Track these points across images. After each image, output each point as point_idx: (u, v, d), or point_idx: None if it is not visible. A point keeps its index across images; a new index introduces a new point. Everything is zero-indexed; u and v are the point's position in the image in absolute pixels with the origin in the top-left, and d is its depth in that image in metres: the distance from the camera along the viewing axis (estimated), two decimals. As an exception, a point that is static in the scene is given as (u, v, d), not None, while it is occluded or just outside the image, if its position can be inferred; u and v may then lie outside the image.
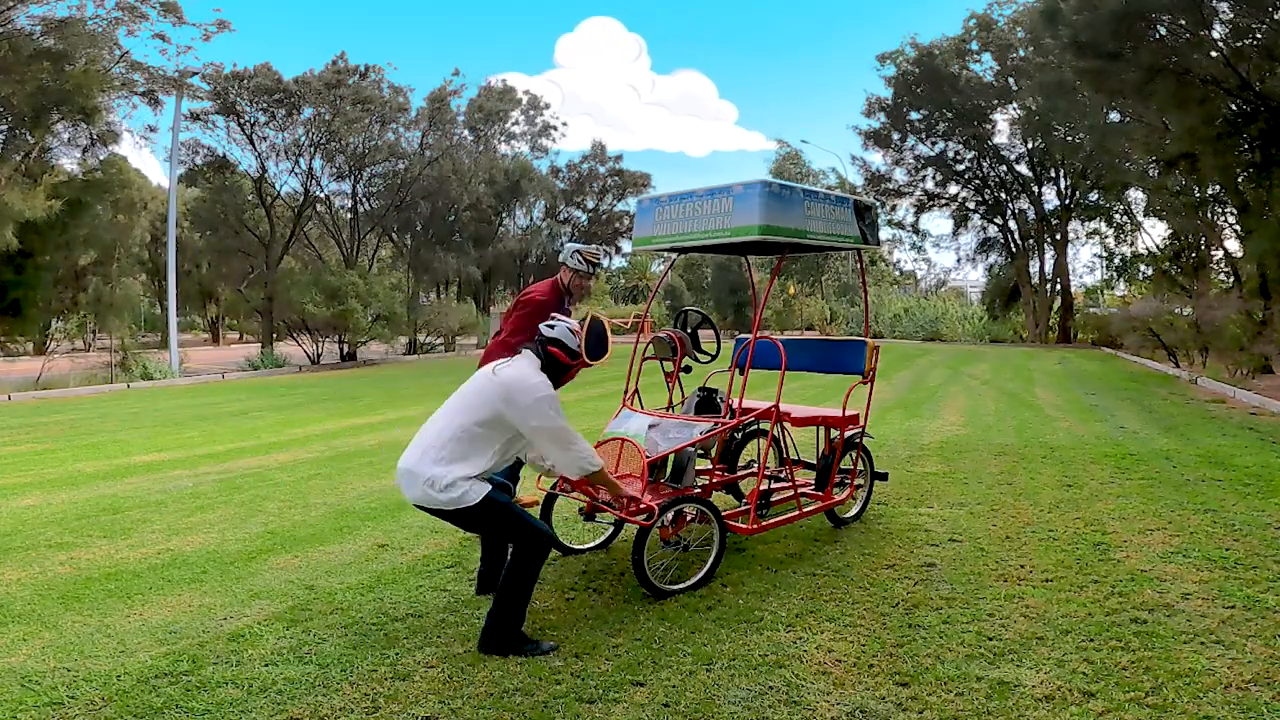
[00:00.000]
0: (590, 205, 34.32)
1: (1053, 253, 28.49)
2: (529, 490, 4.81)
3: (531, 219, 33.25)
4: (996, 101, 27.68)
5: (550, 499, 4.10)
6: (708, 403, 4.53)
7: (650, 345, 4.70)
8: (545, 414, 3.08)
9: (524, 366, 3.21)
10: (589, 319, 3.36)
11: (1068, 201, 27.91)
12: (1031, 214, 28.96)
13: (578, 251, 4.46)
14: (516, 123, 29.42)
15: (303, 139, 21.69)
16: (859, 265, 5.12)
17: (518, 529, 3.09)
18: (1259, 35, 12.29)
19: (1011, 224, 29.82)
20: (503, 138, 29.27)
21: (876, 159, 32.21)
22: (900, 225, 32.58)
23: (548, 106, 30.31)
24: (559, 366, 3.31)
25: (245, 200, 22.61)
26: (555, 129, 30.63)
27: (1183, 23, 12.65)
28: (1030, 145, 28.06)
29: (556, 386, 3.27)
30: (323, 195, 23.94)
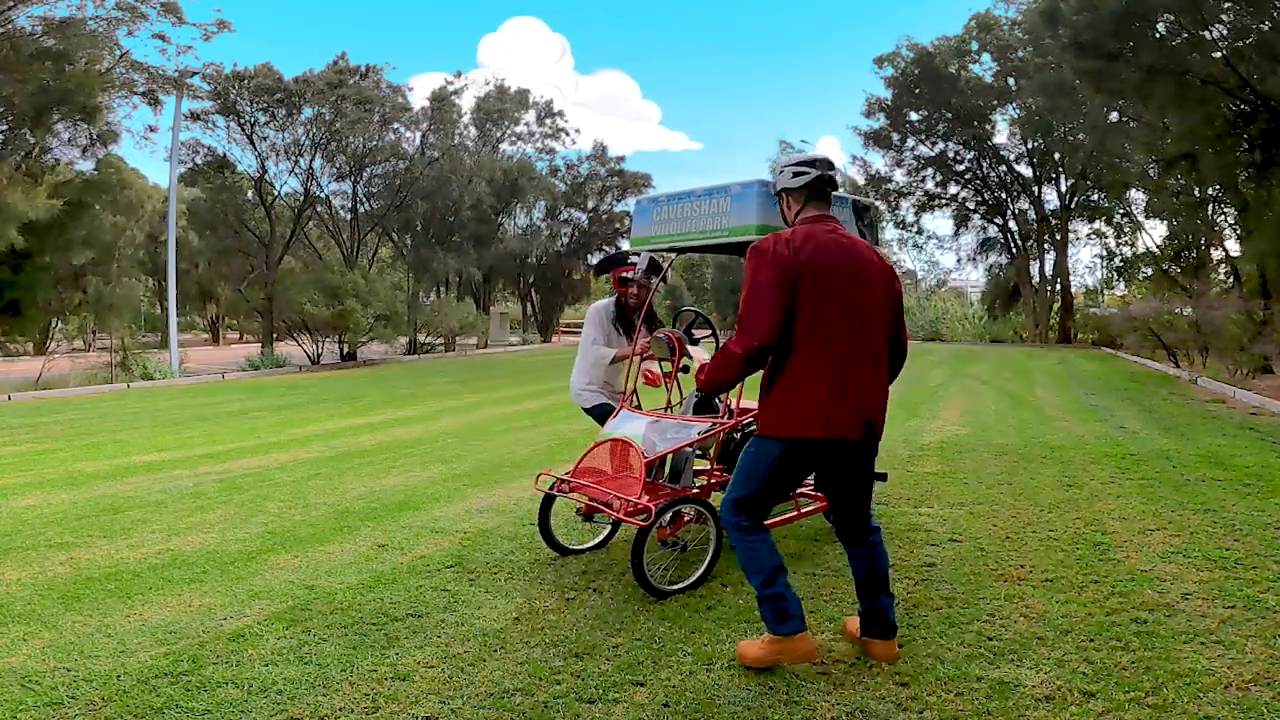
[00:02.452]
0: (590, 205, 34.32)
1: (1053, 253, 28.49)
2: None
3: (531, 219, 33.25)
4: (996, 102, 27.68)
5: (548, 500, 4.10)
6: (706, 403, 4.53)
7: (648, 345, 4.69)
8: (586, 324, 4.77)
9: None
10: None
11: (1068, 201, 27.90)
12: (1032, 214, 28.96)
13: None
14: (526, 124, 29.45)
15: (303, 139, 21.70)
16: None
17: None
18: (1259, 35, 12.29)
19: (1012, 224, 29.82)
20: (510, 139, 29.29)
21: (877, 160, 32.14)
22: (903, 225, 32.61)
23: (561, 113, 30.42)
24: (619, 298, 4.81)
25: (245, 200, 22.62)
26: (567, 133, 30.68)
27: (1182, 23, 12.64)
28: (1030, 145, 28.06)
29: (621, 306, 4.80)
30: (323, 195, 23.96)
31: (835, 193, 2.97)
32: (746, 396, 4.35)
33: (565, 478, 3.98)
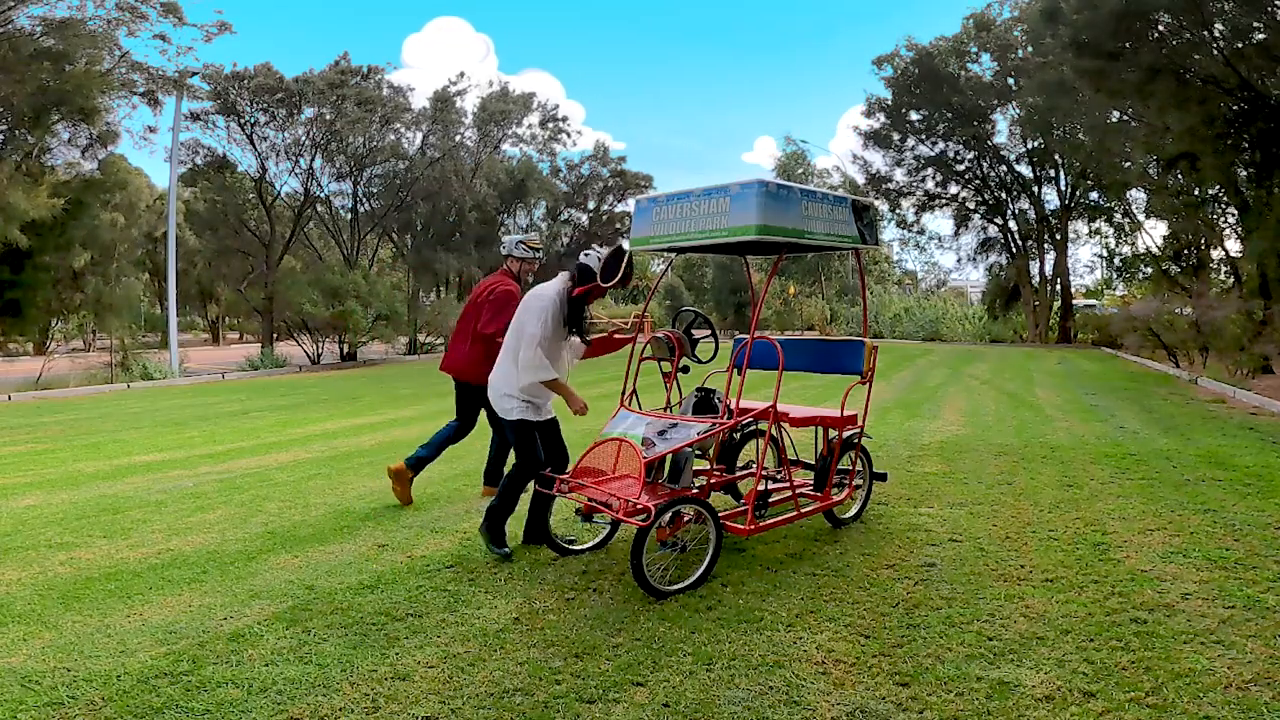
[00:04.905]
0: (591, 206, 34.31)
1: (1053, 253, 28.48)
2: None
3: (533, 219, 33.26)
4: (996, 101, 27.64)
5: (548, 500, 4.10)
6: (705, 403, 4.53)
7: (648, 345, 4.70)
8: (535, 316, 3.95)
9: (553, 282, 4.10)
10: (615, 247, 4.09)
11: (1068, 201, 27.90)
12: (1032, 214, 28.94)
13: (521, 242, 5.17)
14: (529, 126, 29.45)
15: (303, 139, 21.71)
16: (858, 265, 5.12)
17: (527, 452, 4.09)
18: (1259, 35, 12.28)
19: (1012, 224, 29.80)
20: (512, 139, 29.28)
21: (877, 159, 32.02)
22: (903, 225, 32.57)
23: (565, 118, 30.45)
24: (582, 284, 4.11)
25: (245, 200, 22.62)
26: (568, 135, 30.70)
27: (1182, 23, 12.64)
28: (1030, 145, 28.04)
29: (582, 305, 4.13)
30: (323, 195, 23.96)
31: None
32: (746, 397, 4.36)
33: (565, 478, 3.98)
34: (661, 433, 3.94)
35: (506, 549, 4.10)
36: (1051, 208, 28.48)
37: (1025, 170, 29.02)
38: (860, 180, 32.07)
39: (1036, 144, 27.59)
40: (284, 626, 3.27)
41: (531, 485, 4.20)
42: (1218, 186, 15.43)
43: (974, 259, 31.68)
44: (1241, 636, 3.09)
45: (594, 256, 4.09)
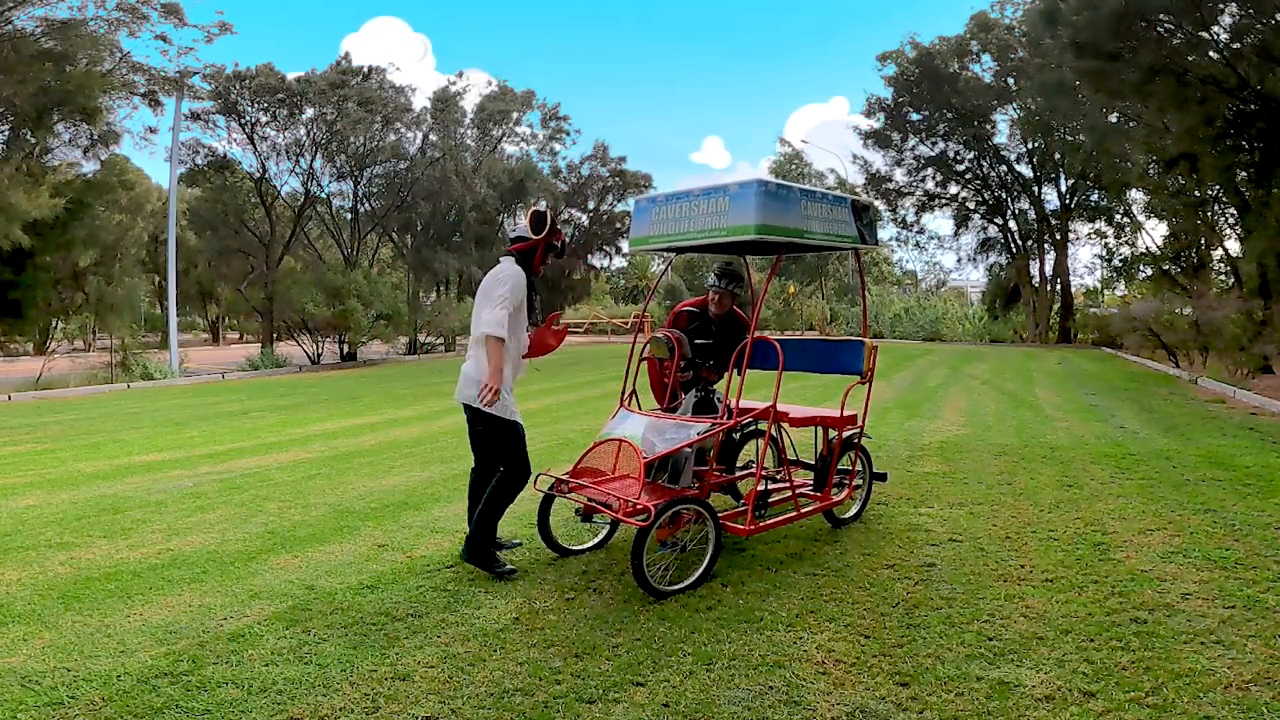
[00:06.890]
0: (591, 206, 34.31)
1: (1053, 253, 28.48)
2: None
3: (533, 219, 33.18)
4: (996, 102, 27.65)
5: (548, 500, 4.10)
6: (705, 403, 4.53)
7: (648, 345, 4.70)
8: (495, 287, 3.79)
9: (505, 265, 3.94)
10: (532, 211, 4.06)
11: (1068, 201, 27.90)
12: (1032, 214, 28.94)
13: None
14: (529, 125, 29.44)
15: (304, 139, 21.73)
16: (857, 265, 5.12)
17: (515, 456, 3.84)
18: (1259, 35, 12.28)
19: (1012, 224, 29.80)
20: (513, 139, 29.27)
21: (877, 159, 32.00)
22: (903, 225, 32.55)
23: (566, 117, 30.45)
24: (526, 253, 3.99)
25: (245, 200, 22.64)
26: (568, 134, 30.70)
27: (1182, 23, 12.64)
28: (1030, 145, 28.04)
29: (535, 265, 4.00)
30: (323, 195, 23.99)
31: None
32: (746, 397, 4.36)
33: (565, 478, 3.98)
34: (661, 433, 3.94)
35: (508, 567, 3.81)
36: (1051, 208, 28.48)
37: (1025, 170, 29.03)
38: (860, 180, 32.06)
39: (1036, 144, 27.60)
40: (284, 626, 3.27)
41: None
42: (1218, 186, 15.42)
43: (974, 259, 31.68)
44: (1241, 636, 3.09)
45: (523, 226, 4.03)
